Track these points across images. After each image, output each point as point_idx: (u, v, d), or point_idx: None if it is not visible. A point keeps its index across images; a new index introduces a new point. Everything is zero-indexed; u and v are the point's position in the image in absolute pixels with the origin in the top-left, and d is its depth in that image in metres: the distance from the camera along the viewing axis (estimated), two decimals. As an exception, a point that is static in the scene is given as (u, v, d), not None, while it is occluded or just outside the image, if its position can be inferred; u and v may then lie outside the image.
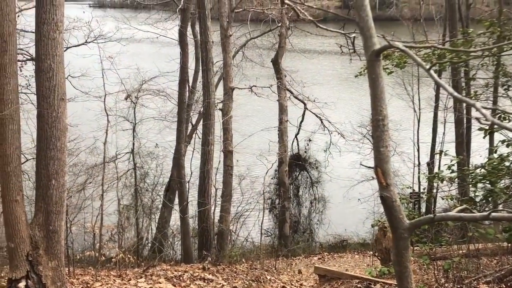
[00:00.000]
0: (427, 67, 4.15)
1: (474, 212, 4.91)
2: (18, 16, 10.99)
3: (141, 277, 12.50)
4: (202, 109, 19.78)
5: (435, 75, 4.19)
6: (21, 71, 16.14)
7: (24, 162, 9.30)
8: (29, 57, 18.56)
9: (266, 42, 25.29)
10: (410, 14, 32.52)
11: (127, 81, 22.16)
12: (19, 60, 12.09)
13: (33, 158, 9.82)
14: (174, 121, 20.58)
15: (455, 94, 4.07)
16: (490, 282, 9.41)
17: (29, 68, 18.11)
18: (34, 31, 8.78)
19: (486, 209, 9.98)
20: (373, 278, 12.23)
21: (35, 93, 8.90)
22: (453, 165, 12.33)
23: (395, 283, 10.95)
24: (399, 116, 24.37)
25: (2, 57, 8.39)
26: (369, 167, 20.16)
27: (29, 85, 16.98)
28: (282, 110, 23.53)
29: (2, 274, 11.22)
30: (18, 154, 8.59)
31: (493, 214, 4.29)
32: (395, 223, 4.30)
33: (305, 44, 28.12)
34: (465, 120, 21.43)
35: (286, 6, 21.05)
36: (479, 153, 20.13)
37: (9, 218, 8.43)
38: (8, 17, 8.35)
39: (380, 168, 4.31)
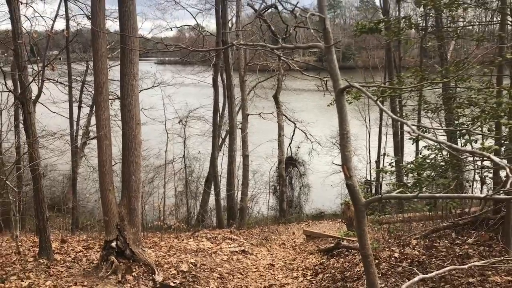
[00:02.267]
0: (375, 99, 4.12)
1: (407, 193, 4.87)
2: (109, 70, 11.05)
3: (190, 238, 12.49)
4: (228, 128, 19.81)
5: (380, 104, 4.17)
6: (111, 105, 16.24)
7: (114, 165, 9.33)
8: (116, 97, 18.68)
9: (269, 84, 25.30)
10: (362, 64, 32.44)
11: (179, 111, 22.29)
12: (110, 99, 12.14)
13: (120, 162, 9.86)
14: (210, 136, 20.61)
15: (393, 116, 4.05)
16: (418, 238, 9.32)
17: (116, 104, 18.25)
18: (119, 79, 8.84)
19: (415, 191, 9.90)
20: (341, 237, 12.17)
21: (120, 120, 8.94)
22: (392, 162, 12.21)
23: (356, 240, 10.89)
24: (356, 131, 24.21)
25: (99, 97, 8.46)
26: (338, 165, 20.05)
27: (117, 114, 17.06)
28: (280, 128, 23.55)
29: (101, 237, 11.24)
30: (110, 159, 8.64)
31: (420, 194, 4.25)
32: (356, 201, 4.26)
33: (294, 85, 28.05)
34: (399, 133, 21.33)
35: (281, 60, 21.11)
36: (409, 154, 19.99)
37: (104, 201, 8.47)
38: (103, 71, 8.42)
39: (346, 165, 4.28)
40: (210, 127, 20.82)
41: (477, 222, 9.09)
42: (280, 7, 18.66)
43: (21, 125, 13.42)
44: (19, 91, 9.33)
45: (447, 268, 4.65)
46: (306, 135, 24.20)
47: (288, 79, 25.24)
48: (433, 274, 4.37)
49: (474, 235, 8.57)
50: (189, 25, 26.44)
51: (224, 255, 10.83)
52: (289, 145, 25.06)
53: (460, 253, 7.80)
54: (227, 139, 20.46)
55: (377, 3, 36.64)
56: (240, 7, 19.98)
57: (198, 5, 61.32)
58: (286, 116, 23.92)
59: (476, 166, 10.06)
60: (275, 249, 12.64)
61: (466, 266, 4.71)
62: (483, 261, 5.89)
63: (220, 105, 21.17)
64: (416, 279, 4.23)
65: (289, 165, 25.30)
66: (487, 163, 9.61)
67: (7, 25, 22.08)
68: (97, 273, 8.12)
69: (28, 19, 18.84)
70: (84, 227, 17.86)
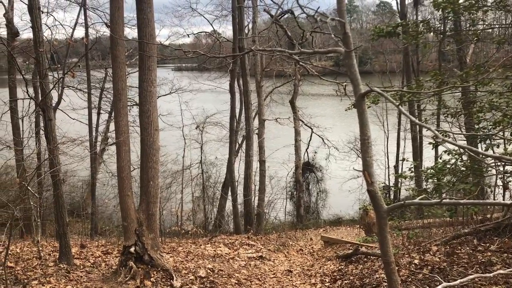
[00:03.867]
0: (397, 103, 4.05)
1: (430, 200, 4.77)
2: (127, 77, 11.15)
3: (208, 244, 12.47)
4: (245, 134, 19.80)
5: (402, 108, 4.09)
6: (130, 112, 16.37)
7: (132, 170, 9.36)
8: (134, 103, 18.85)
9: (286, 89, 25.25)
10: (379, 69, 32.17)
11: (196, 116, 22.41)
12: (128, 105, 12.24)
13: (138, 168, 9.90)
14: (227, 141, 20.64)
15: (416, 121, 3.98)
16: (439, 245, 9.12)
17: (135, 110, 18.42)
18: (138, 86, 8.89)
19: (435, 196, 9.69)
20: (360, 243, 12.01)
21: (139, 126, 8.99)
22: (412, 167, 12.04)
23: (376, 246, 10.73)
24: (374, 136, 23.99)
25: (118, 104, 8.52)
26: (359, 171, 19.80)
27: (135, 121, 17.22)
28: (297, 133, 23.47)
29: (119, 243, 11.30)
30: (129, 165, 8.68)
31: (443, 201, 4.15)
32: (377, 208, 4.18)
33: (311, 89, 27.93)
34: (418, 138, 21.05)
35: (298, 65, 21.05)
36: (429, 159, 19.71)
37: (123, 206, 8.51)
38: (121, 78, 8.48)
39: (367, 171, 4.21)
40: (227, 132, 20.84)
41: (500, 229, 8.85)
42: (296, 13, 18.62)
43: (41, 132, 13.65)
44: (40, 98, 9.47)
45: (471, 276, 4.51)
46: (323, 140, 24.07)
47: (305, 84, 25.17)
48: (457, 282, 4.25)
49: (497, 241, 8.34)
50: (206, 32, 26.59)
51: (242, 260, 10.78)
52: (306, 150, 24.93)
53: (483, 260, 7.60)
54: (243, 145, 20.44)
55: (394, 7, 36.39)
56: (257, 13, 20.03)
57: (215, 11, 61.78)
58: (302, 121, 23.83)
59: (498, 171, 9.84)
60: (292, 255, 12.53)
61: (491, 274, 4.57)
62: (509, 269, 5.72)
63: (237, 110, 21.20)
64: (439, 287, 4.11)
65: (306, 170, 25.16)
66: (509, 168, 9.39)
67: (28, 34, 22.57)
68: (115, 278, 8.15)
69: (49, 27, 19.18)
70: (103, 232, 18.01)
